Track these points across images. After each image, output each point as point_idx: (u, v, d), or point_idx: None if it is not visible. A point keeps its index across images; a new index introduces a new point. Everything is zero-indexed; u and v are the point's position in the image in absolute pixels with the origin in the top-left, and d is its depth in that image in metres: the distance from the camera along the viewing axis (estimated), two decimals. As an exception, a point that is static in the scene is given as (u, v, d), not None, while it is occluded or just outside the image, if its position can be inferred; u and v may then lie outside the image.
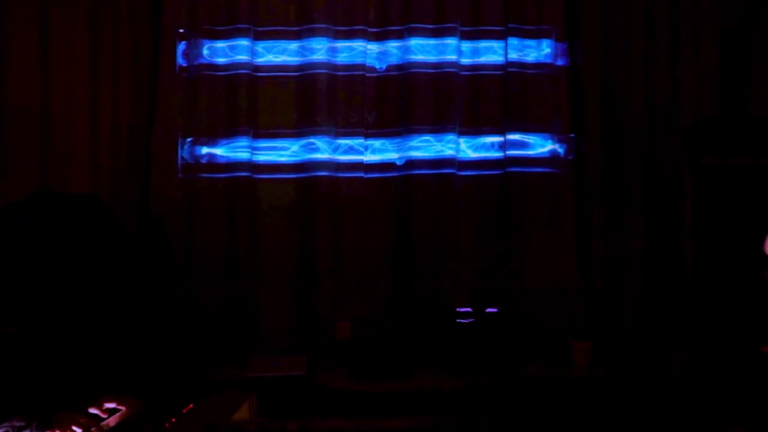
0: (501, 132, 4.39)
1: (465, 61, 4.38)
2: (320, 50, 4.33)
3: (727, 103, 4.31)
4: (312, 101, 4.35)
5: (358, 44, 4.35)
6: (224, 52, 4.32)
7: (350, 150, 4.37)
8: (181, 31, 4.29)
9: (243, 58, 4.30)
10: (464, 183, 4.38)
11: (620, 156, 4.39)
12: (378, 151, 4.37)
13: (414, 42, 4.35)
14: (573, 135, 4.40)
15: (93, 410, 2.79)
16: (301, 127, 4.35)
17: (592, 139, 4.38)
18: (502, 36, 4.38)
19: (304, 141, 4.36)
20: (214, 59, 4.32)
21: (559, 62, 4.39)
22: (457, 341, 4.19)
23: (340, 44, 4.35)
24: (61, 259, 3.57)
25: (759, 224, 3.85)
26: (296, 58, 4.35)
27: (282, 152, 4.36)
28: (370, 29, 4.34)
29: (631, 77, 4.38)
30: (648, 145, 4.37)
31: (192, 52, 4.30)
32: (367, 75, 4.35)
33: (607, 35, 4.38)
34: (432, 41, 4.36)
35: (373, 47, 4.35)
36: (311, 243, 4.36)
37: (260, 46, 4.33)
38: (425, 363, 4.22)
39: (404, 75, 4.36)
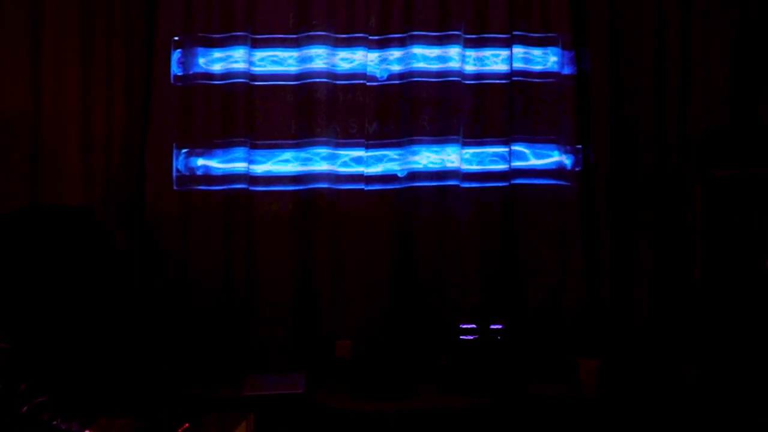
0: (506, 143, 4.43)
1: (469, 69, 4.43)
2: (320, 58, 4.38)
3: (738, 113, 4.36)
4: (311, 111, 4.39)
5: (359, 52, 4.40)
6: (220, 60, 4.37)
7: (350, 161, 4.42)
8: (177, 38, 4.34)
9: (240, 66, 4.35)
10: (468, 195, 4.43)
11: (629, 167, 4.43)
12: (379, 162, 4.42)
13: (416, 50, 4.40)
14: (580, 146, 4.44)
15: None
16: (299, 138, 4.40)
17: (600, 150, 4.43)
18: (507, 44, 4.42)
19: (302, 152, 4.40)
20: (210, 68, 4.36)
21: (566, 71, 4.44)
22: (460, 359, 4.21)
23: (341, 52, 4.40)
24: (53, 273, 3.61)
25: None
26: (295, 67, 4.40)
27: (280, 164, 4.40)
28: (371, 37, 4.39)
29: (639, 86, 4.42)
30: (657, 157, 4.41)
31: (187, 61, 4.34)
32: (368, 84, 4.39)
33: (616, 43, 4.43)
34: (435, 49, 4.41)
35: (374, 55, 4.40)
36: (310, 257, 4.40)
37: (258, 54, 4.38)
38: (428, 381, 4.24)
39: (406, 84, 4.41)
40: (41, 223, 3.73)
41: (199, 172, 4.37)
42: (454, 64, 4.41)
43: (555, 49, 4.45)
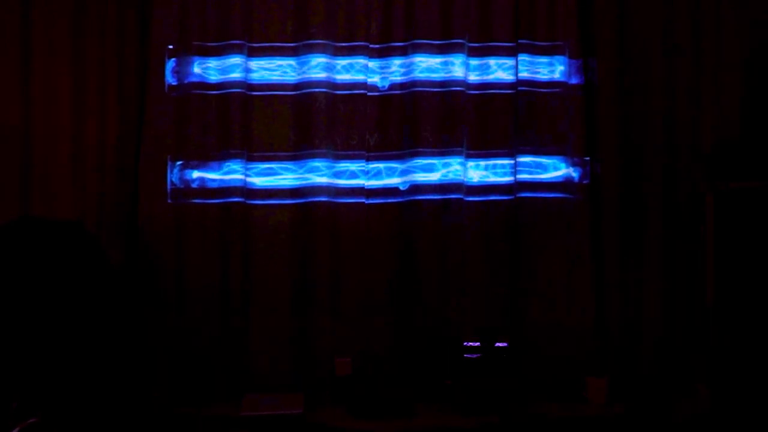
0: (511, 155, 4.44)
1: (473, 79, 4.43)
2: (319, 67, 4.38)
3: (750, 123, 4.35)
4: (310, 122, 4.39)
5: (359, 61, 4.40)
6: (217, 69, 4.37)
7: (351, 174, 4.42)
8: (171, 47, 4.33)
9: (236, 75, 4.35)
10: (472, 209, 4.43)
11: (638, 180, 4.43)
12: (380, 175, 4.43)
13: (418, 59, 4.40)
14: (588, 158, 4.44)
15: None
16: (298, 150, 4.40)
17: (608, 163, 4.43)
18: (512, 52, 4.43)
19: (301, 164, 4.40)
20: (206, 77, 4.36)
21: (573, 80, 4.44)
22: (464, 377, 4.23)
23: (340, 61, 4.40)
24: (43, 289, 3.63)
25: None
26: (293, 76, 4.40)
27: (278, 176, 4.40)
28: (371, 45, 4.39)
29: (649, 97, 4.43)
30: (667, 169, 4.42)
31: (182, 70, 4.34)
32: (369, 94, 4.40)
33: (624, 52, 4.43)
34: (438, 58, 4.41)
35: (375, 64, 4.40)
36: (309, 273, 4.40)
37: (255, 62, 4.38)
38: (430, 400, 4.26)
39: (408, 94, 4.41)
40: (31, 237, 3.75)
41: (194, 185, 4.37)
42: (457, 74, 4.41)
43: (562, 58, 4.44)
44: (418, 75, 4.41)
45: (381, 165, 4.44)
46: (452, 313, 4.43)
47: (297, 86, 4.40)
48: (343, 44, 4.41)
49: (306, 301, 4.42)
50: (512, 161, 4.45)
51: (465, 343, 4.27)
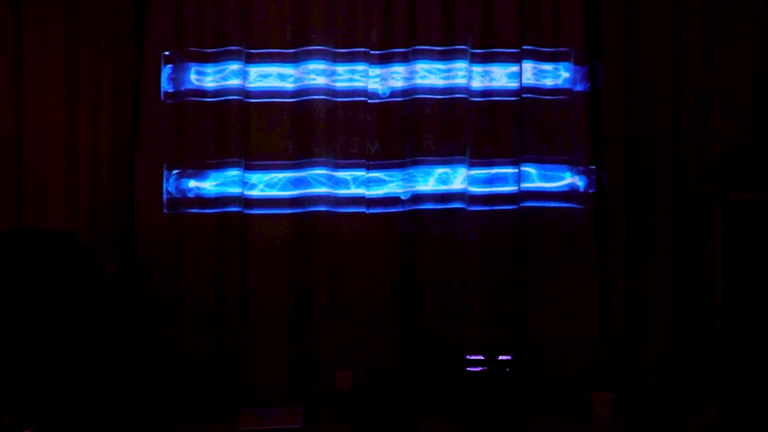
0: (515, 163, 4.41)
1: (476, 86, 4.40)
2: (318, 74, 4.36)
3: (760, 133, 4.32)
4: (309, 130, 4.37)
5: (360, 68, 4.37)
6: (214, 76, 4.34)
7: (351, 183, 4.40)
8: (167, 53, 4.31)
9: (234, 82, 4.32)
10: (475, 219, 4.40)
11: (645, 189, 4.40)
12: (381, 184, 4.40)
13: (420, 65, 4.37)
14: (594, 167, 4.41)
15: None
16: (297, 158, 4.37)
17: (615, 172, 4.40)
18: (516, 58, 4.40)
19: (300, 173, 4.38)
20: (203, 84, 4.34)
21: (579, 87, 4.41)
22: (467, 391, 4.18)
23: (340, 68, 4.38)
24: (35, 300, 3.61)
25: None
26: (292, 83, 4.37)
27: (276, 185, 4.38)
28: (372, 51, 4.36)
29: (656, 104, 4.40)
30: (675, 178, 4.38)
31: (178, 77, 4.31)
32: (369, 101, 4.37)
33: (631, 58, 4.40)
34: (440, 64, 4.38)
35: (375, 71, 4.38)
36: (308, 284, 4.38)
37: (253, 69, 4.36)
38: (432, 415, 4.23)
39: (410, 101, 4.38)
40: (22, 248, 3.73)
41: (190, 195, 4.35)
42: (460, 81, 4.38)
43: (567, 65, 4.42)
44: (420, 82, 4.39)
45: (382, 174, 4.41)
46: (454, 325, 4.41)
47: (296, 93, 4.38)
48: (343, 50, 4.39)
49: (305, 312, 4.39)
50: (516, 170, 4.42)
51: (468, 356, 4.22)
